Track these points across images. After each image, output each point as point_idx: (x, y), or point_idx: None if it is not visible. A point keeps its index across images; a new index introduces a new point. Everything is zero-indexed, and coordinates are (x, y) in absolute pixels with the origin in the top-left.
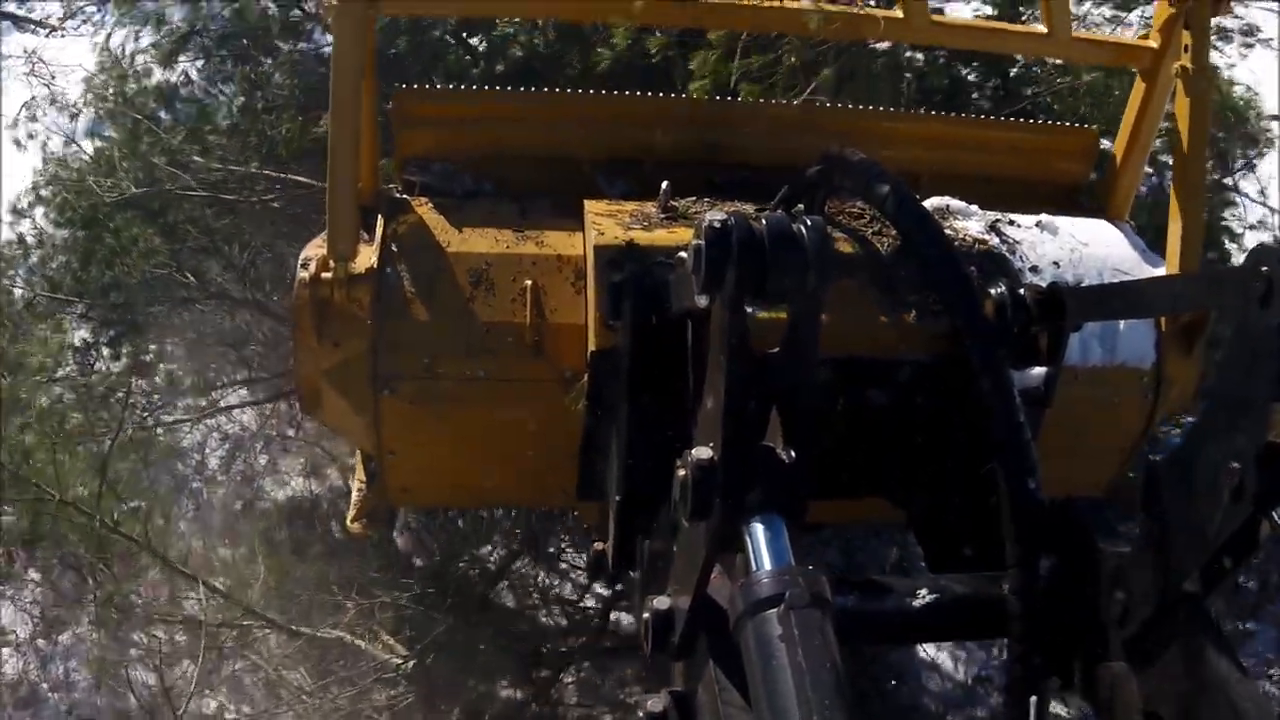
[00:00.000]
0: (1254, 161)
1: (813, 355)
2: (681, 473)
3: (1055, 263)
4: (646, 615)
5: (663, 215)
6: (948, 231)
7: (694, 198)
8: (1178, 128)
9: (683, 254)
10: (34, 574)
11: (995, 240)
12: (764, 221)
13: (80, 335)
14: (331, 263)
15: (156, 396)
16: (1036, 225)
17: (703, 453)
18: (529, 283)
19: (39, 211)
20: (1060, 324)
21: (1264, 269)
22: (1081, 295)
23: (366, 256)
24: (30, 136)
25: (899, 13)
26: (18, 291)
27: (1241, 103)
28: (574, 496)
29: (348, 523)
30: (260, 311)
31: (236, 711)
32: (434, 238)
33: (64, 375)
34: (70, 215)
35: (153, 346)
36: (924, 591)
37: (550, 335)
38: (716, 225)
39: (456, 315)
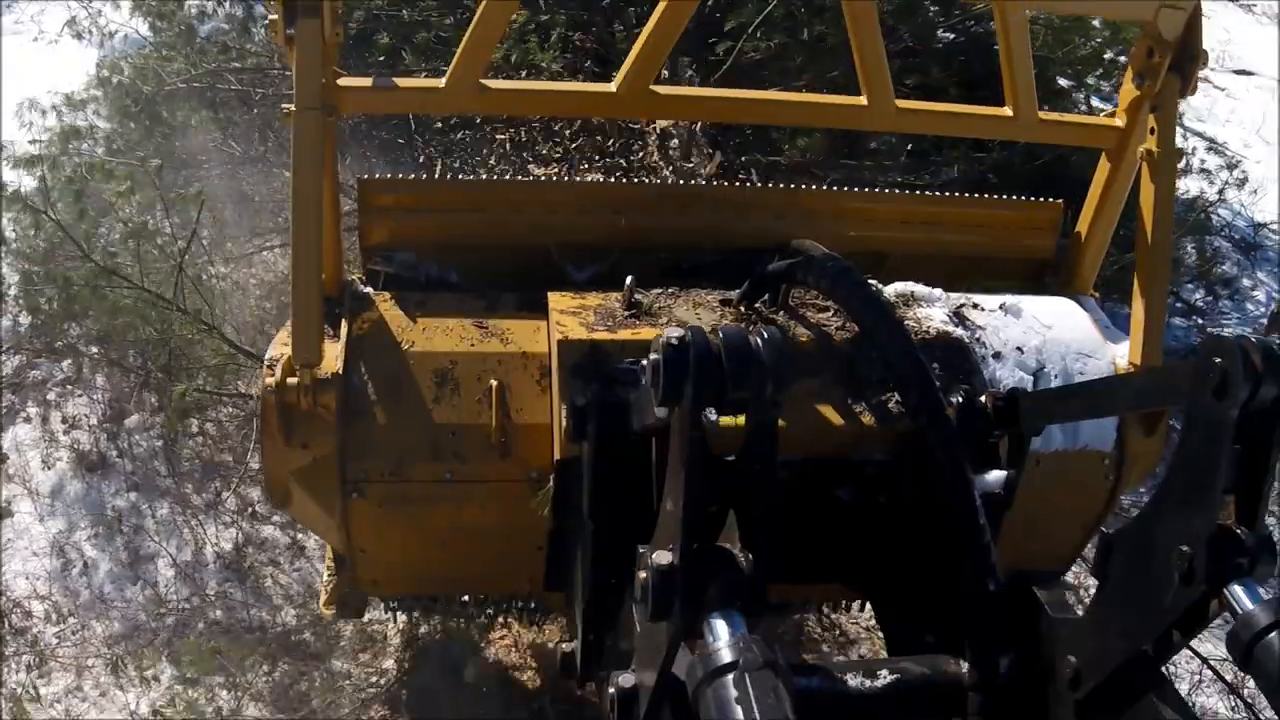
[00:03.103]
0: None
1: (770, 461)
2: (642, 575)
3: (1019, 348)
4: (612, 690)
5: (627, 313)
6: (910, 322)
7: (659, 289)
8: (1141, 210)
9: (644, 362)
10: (101, 378)
11: (958, 330)
12: (720, 335)
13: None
14: (297, 368)
15: (207, 242)
16: (1000, 308)
17: (663, 557)
18: (494, 383)
19: (89, 109)
20: (1020, 430)
21: (1217, 360)
22: (1040, 399)
23: (332, 358)
24: (92, 31)
25: (863, 100)
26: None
27: None
28: (541, 586)
29: (321, 606)
30: None
31: None
32: (398, 337)
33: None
34: (136, 96)
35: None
36: (884, 673)
37: (516, 436)
38: (674, 341)
39: (422, 417)
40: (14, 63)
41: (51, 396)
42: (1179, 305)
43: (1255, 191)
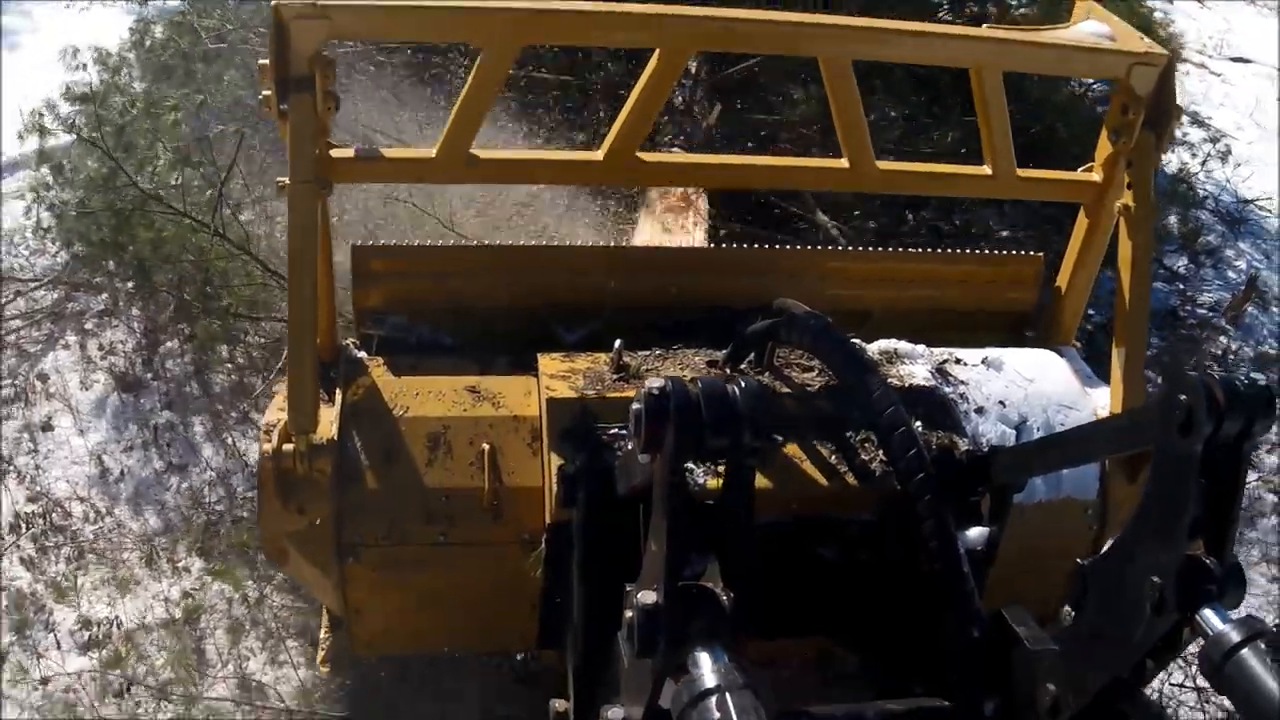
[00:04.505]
0: None
1: (748, 505)
2: (629, 614)
3: (1001, 402)
4: None
5: (615, 375)
6: (894, 379)
7: (647, 351)
8: (1119, 263)
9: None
10: (136, 310)
11: (942, 385)
12: (700, 384)
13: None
14: (293, 435)
15: (240, 182)
16: (983, 362)
17: (647, 597)
18: (486, 446)
19: (124, 72)
20: (1001, 485)
21: (1183, 397)
22: (1019, 452)
23: (327, 424)
24: None
25: (845, 162)
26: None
27: (1153, 23)
28: (534, 644)
29: (318, 663)
30: None
31: None
32: (391, 403)
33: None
34: (173, 52)
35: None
36: (870, 715)
37: (508, 498)
38: (655, 391)
39: (415, 481)
40: (47, 27)
41: (89, 326)
42: (1162, 271)
43: (1239, 166)
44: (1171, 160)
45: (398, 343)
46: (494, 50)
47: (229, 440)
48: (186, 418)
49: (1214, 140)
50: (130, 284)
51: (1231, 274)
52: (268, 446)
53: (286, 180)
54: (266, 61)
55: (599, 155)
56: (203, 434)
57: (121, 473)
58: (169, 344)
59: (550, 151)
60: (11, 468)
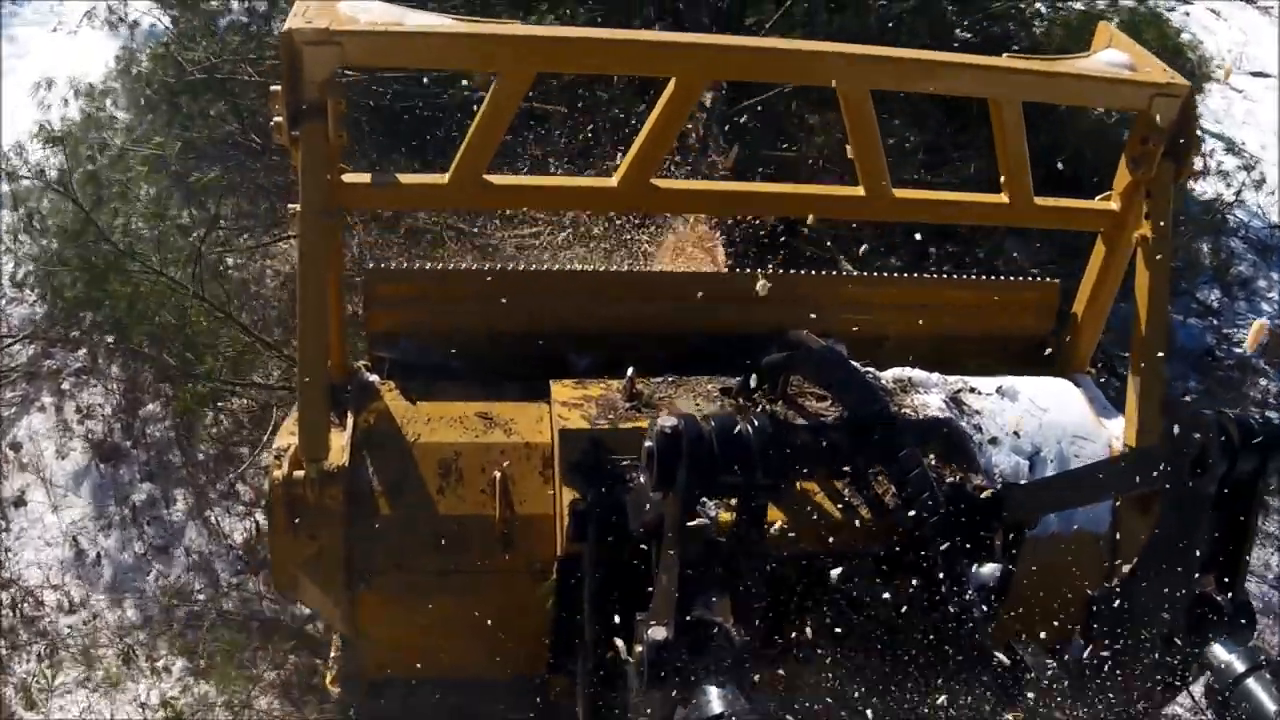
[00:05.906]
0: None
1: (759, 542)
2: (639, 649)
3: (1015, 432)
4: None
5: (628, 404)
6: (908, 410)
7: (659, 379)
8: (1136, 293)
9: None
10: (116, 368)
11: (956, 415)
12: (712, 422)
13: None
14: (304, 462)
15: (223, 232)
16: (997, 391)
17: (658, 632)
18: (497, 474)
19: (108, 100)
20: (1014, 522)
21: (1195, 436)
22: (1030, 490)
23: (338, 450)
24: (113, 21)
25: (860, 190)
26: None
27: (1183, 45)
28: (545, 670)
29: (327, 683)
30: None
31: None
32: (403, 429)
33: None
34: (156, 85)
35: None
36: None
37: (519, 527)
38: (668, 430)
39: (426, 509)
40: (34, 52)
41: (66, 386)
42: (1194, 306)
43: (1273, 194)
44: (1206, 191)
45: (410, 366)
46: (508, 77)
47: (212, 519)
48: (168, 491)
49: (1248, 168)
50: (110, 338)
51: (1266, 306)
52: (279, 473)
53: (297, 207)
54: (278, 88)
55: (613, 182)
56: (184, 512)
57: (98, 556)
58: (150, 406)
59: (564, 178)
60: None
